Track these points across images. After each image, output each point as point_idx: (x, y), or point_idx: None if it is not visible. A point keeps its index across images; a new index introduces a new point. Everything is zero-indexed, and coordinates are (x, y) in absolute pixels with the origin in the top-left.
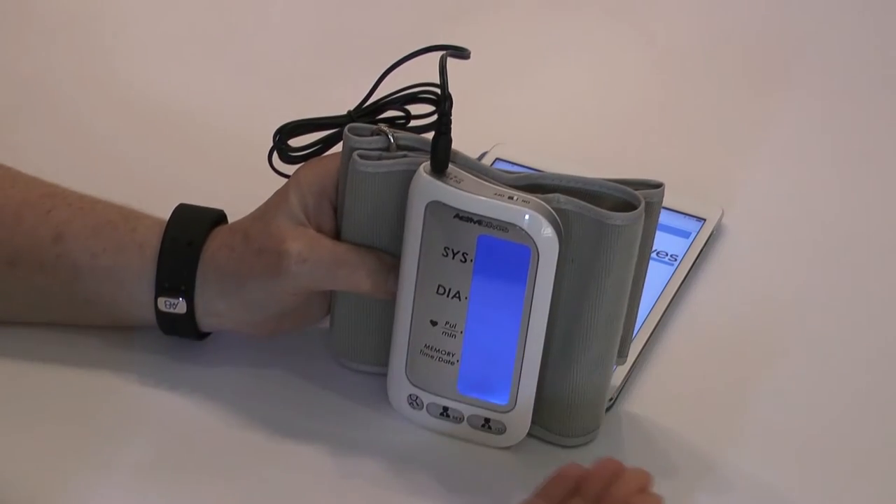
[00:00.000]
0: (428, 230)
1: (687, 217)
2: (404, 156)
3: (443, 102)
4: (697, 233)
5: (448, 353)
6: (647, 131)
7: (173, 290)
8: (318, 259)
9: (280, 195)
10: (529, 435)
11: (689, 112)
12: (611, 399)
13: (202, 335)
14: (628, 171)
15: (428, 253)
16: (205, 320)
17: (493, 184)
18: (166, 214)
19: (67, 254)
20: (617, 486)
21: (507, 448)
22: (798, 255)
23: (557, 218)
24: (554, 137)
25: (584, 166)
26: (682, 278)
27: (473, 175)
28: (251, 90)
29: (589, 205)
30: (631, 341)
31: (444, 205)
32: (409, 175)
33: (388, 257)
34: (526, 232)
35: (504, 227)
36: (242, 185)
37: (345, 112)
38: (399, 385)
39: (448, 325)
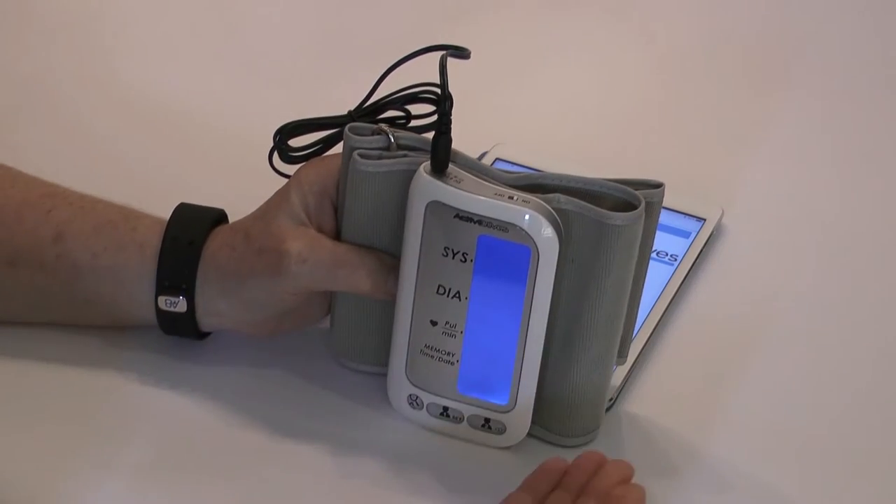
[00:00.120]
0: (428, 230)
1: (687, 217)
2: (405, 155)
3: (443, 102)
4: (697, 233)
5: (448, 353)
6: (647, 131)
7: (174, 288)
8: (318, 259)
9: (281, 195)
10: (529, 435)
11: (689, 112)
12: (611, 399)
13: (202, 335)
14: (628, 171)
15: (428, 253)
16: (205, 319)
17: (493, 184)
18: (167, 214)
19: (68, 253)
20: (599, 477)
21: (507, 448)
22: (798, 254)
23: (557, 218)
24: (554, 137)
25: (584, 166)
26: (682, 278)
27: (473, 175)
28: (251, 90)
29: (589, 205)
30: (631, 341)
31: (445, 205)
32: (410, 175)
33: (389, 258)
34: (526, 232)
35: (504, 227)
36: (242, 185)
37: (345, 112)
38: (399, 385)
39: (448, 325)
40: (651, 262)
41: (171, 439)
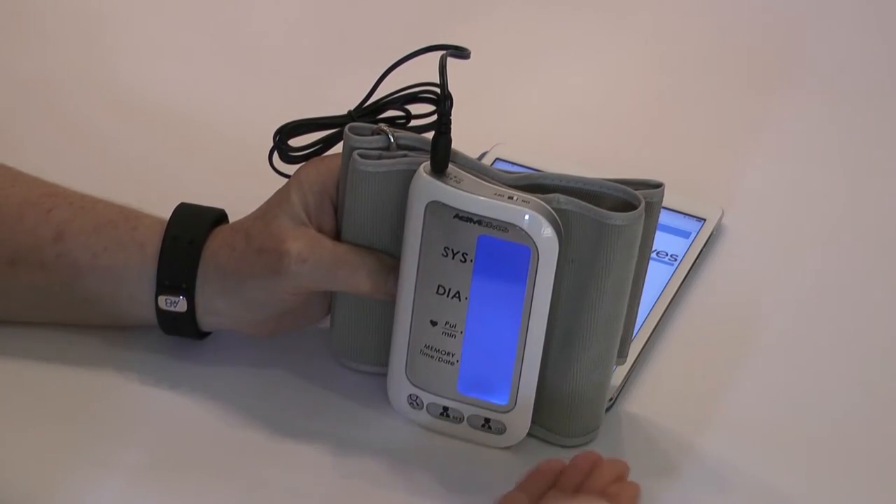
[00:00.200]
0: (428, 230)
1: (687, 217)
2: (404, 155)
3: (443, 102)
4: (697, 233)
5: (448, 353)
6: (647, 131)
7: (174, 288)
8: (317, 259)
9: (281, 194)
10: (529, 435)
11: (689, 112)
12: (611, 399)
13: (202, 334)
14: (628, 171)
15: (428, 253)
16: (205, 319)
17: (493, 184)
18: (166, 214)
19: (68, 253)
20: (594, 476)
21: (507, 448)
22: (798, 255)
23: (557, 218)
24: (554, 137)
25: (584, 166)
26: (682, 278)
27: (473, 175)
28: (251, 90)
29: (589, 205)
30: (631, 341)
31: (444, 205)
32: (410, 175)
33: (389, 258)
34: (526, 232)
35: (504, 227)
36: (242, 185)
37: (345, 112)
38: (399, 385)
39: (448, 326)
40: (651, 262)
41: (171, 439)
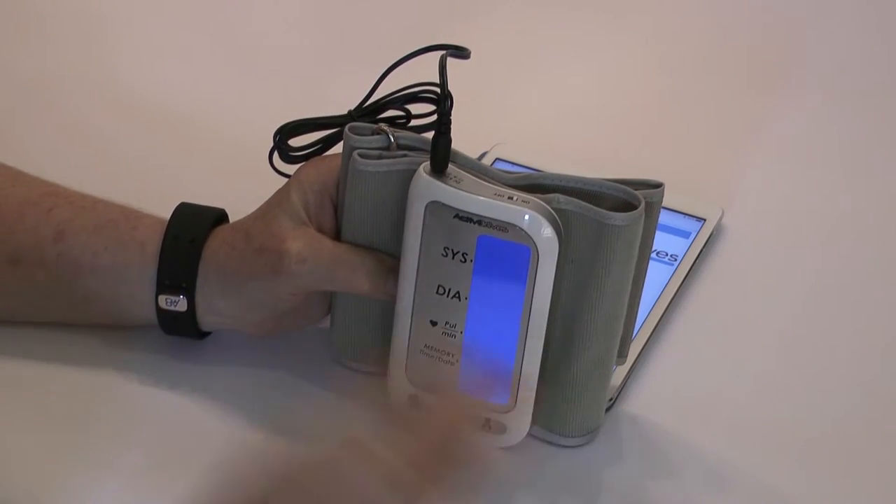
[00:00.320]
0: (428, 230)
1: (687, 217)
2: (404, 155)
3: (443, 102)
4: (697, 233)
5: (448, 353)
6: (647, 131)
7: (174, 287)
8: (317, 259)
9: (281, 194)
10: (529, 435)
11: (688, 112)
12: (611, 399)
13: (202, 334)
14: (628, 171)
15: (428, 253)
16: (205, 318)
17: (493, 184)
18: (167, 214)
19: (68, 252)
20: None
21: (507, 448)
22: (798, 255)
23: (557, 218)
24: (554, 137)
25: (584, 166)
26: (682, 278)
27: (473, 175)
28: (251, 90)
29: (589, 205)
30: (631, 341)
31: (444, 205)
32: (409, 174)
33: (388, 258)
34: (526, 232)
35: (504, 227)
36: (242, 185)
37: (345, 112)
38: (399, 385)
39: (448, 326)
40: (651, 262)
41: (171, 439)
